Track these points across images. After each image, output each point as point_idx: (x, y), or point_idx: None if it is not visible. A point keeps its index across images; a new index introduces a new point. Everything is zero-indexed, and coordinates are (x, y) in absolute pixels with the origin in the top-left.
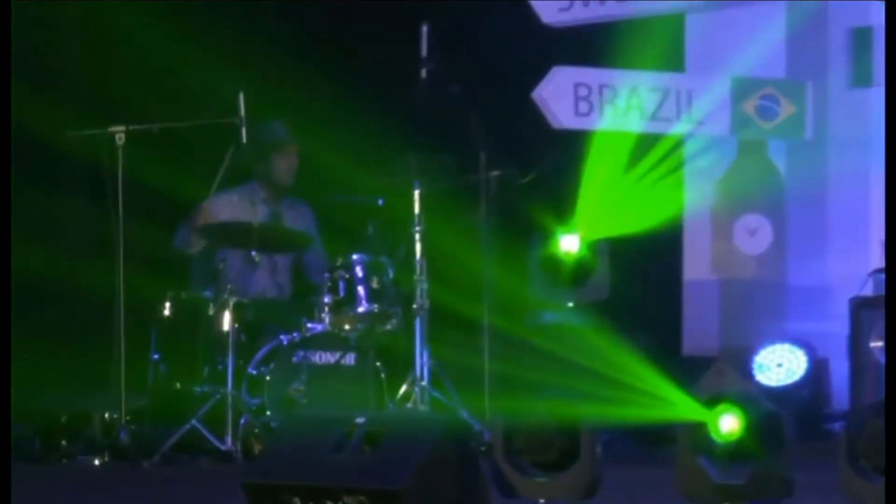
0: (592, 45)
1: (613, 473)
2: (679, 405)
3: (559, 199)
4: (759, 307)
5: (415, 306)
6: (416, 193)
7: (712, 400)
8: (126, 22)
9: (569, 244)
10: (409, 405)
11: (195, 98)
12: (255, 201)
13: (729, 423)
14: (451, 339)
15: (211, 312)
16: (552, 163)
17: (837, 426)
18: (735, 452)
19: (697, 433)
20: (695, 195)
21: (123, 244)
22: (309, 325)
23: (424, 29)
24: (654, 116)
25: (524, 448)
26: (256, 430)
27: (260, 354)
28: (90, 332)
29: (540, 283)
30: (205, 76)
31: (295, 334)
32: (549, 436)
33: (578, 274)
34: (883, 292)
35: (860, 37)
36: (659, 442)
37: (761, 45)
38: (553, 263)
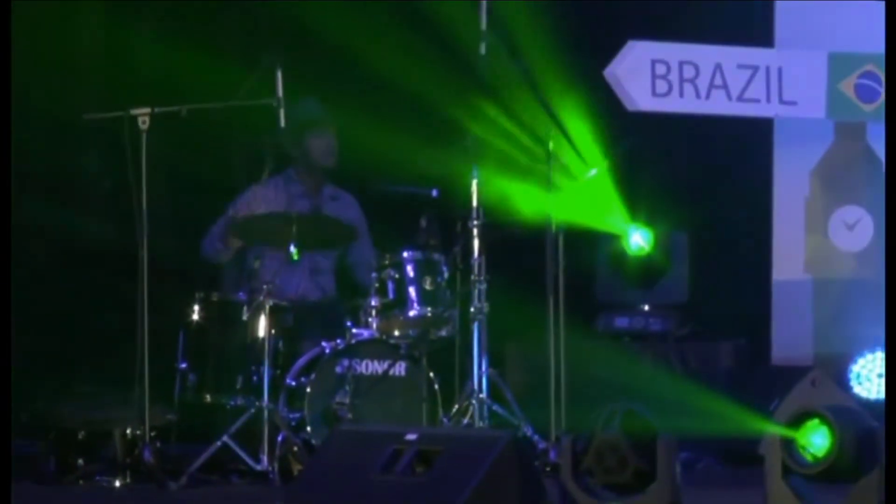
0: (672, 17)
1: (694, 496)
2: (767, 419)
3: (633, 190)
4: (858, 311)
5: (472, 310)
6: (475, 182)
7: (804, 414)
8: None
9: (639, 240)
10: (466, 421)
11: (228, 77)
12: (293, 193)
13: (822, 441)
14: (513, 346)
15: (245, 317)
16: (626, 149)
17: None
18: (829, 473)
19: (787, 451)
20: (786, 184)
21: (147, 240)
22: (354, 330)
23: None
24: (740, 97)
25: (595, 468)
26: (295, 448)
27: (299, 363)
28: (110, 338)
29: (611, 283)
30: (239, 52)
31: (339, 341)
32: (623, 454)
33: (651, 273)
34: None
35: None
36: (745, 461)
37: (861, 15)
38: (624, 262)
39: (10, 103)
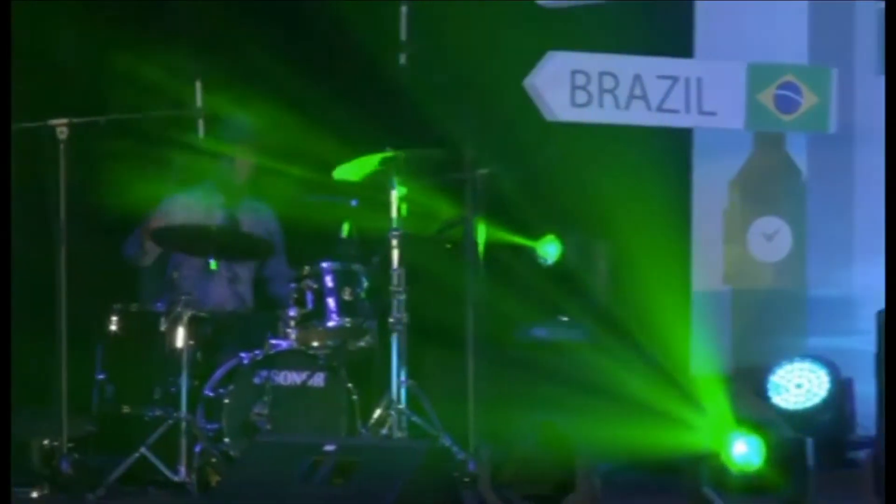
0: (591, 28)
1: None
2: (687, 430)
3: (552, 200)
4: (777, 321)
5: (391, 320)
6: (394, 194)
7: (724, 425)
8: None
9: (555, 249)
10: (385, 431)
11: (148, 87)
12: (211, 204)
13: (743, 451)
14: (432, 357)
15: (163, 327)
16: (544, 161)
17: (863, 454)
18: (750, 483)
19: (708, 462)
20: (705, 195)
21: (66, 251)
22: (273, 341)
23: (404, 9)
24: (659, 107)
25: (514, 479)
26: (213, 459)
27: (218, 374)
28: (28, 349)
29: (528, 293)
30: (159, 62)
31: (257, 352)
32: (542, 466)
33: (569, 282)
34: None
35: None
36: (665, 471)
37: (780, 26)
38: (542, 271)
39: (10, 104)
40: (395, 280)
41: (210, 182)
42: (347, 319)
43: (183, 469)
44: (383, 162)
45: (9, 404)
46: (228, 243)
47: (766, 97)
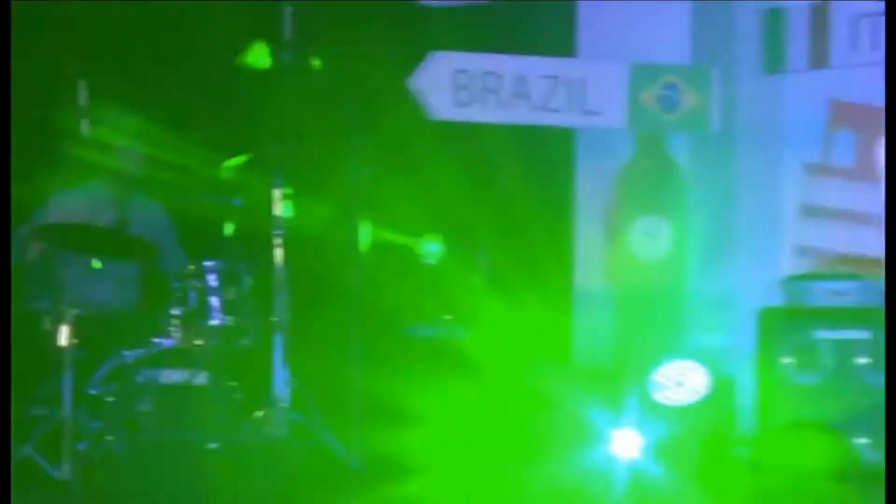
0: (475, 29)
1: None
2: (570, 424)
3: (437, 198)
4: (658, 319)
5: (274, 319)
6: (276, 192)
7: (608, 420)
8: None
9: (436, 248)
10: (267, 430)
11: (30, 87)
12: (98, 202)
13: (624, 445)
14: (316, 355)
15: (47, 326)
16: (427, 160)
17: (743, 451)
18: (636, 477)
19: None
20: (588, 193)
21: None
22: (156, 339)
23: (287, 9)
24: (542, 106)
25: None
26: (97, 458)
27: (101, 373)
28: None
29: (411, 291)
30: (42, 62)
31: (140, 350)
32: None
33: (451, 281)
34: (795, 303)
35: (772, 18)
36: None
37: (663, 26)
38: (424, 269)
39: (9, 104)
40: (278, 278)
41: (99, 180)
42: (231, 318)
43: (67, 467)
44: (265, 161)
45: (9, 404)
46: (113, 243)
47: (649, 97)
